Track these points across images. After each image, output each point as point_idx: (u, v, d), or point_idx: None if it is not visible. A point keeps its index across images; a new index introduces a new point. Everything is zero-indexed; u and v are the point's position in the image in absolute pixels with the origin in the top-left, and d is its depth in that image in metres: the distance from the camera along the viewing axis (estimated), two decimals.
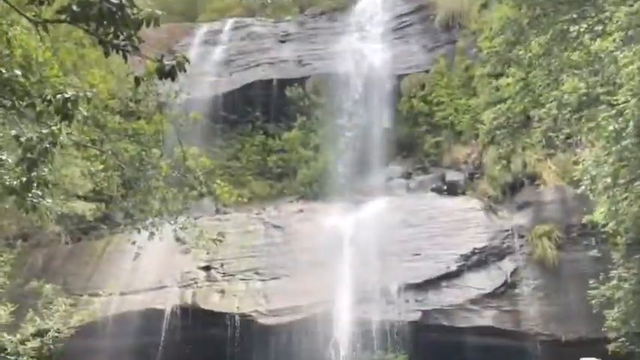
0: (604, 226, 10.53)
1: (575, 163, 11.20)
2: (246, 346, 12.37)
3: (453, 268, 12.69)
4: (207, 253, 13.85)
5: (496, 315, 12.00)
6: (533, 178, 14.04)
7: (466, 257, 12.82)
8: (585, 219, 11.65)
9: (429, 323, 12.16)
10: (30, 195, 3.87)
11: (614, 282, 10.21)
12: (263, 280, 13.58)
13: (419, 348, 11.69)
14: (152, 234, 9.47)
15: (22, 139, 3.65)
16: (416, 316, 12.21)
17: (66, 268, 14.00)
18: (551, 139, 13.01)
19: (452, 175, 15.58)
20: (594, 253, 11.96)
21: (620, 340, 10.01)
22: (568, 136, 12.65)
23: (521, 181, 14.19)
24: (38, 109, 3.74)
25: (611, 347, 9.95)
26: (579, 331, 11.28)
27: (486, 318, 11.97)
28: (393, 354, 11.79)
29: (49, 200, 4.34)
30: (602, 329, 10.42)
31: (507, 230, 13.21)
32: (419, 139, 17.39)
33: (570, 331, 11.41)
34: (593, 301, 10.48)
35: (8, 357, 7.41)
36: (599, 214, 10.56)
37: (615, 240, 10.64)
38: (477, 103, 16.03)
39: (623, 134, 8.70)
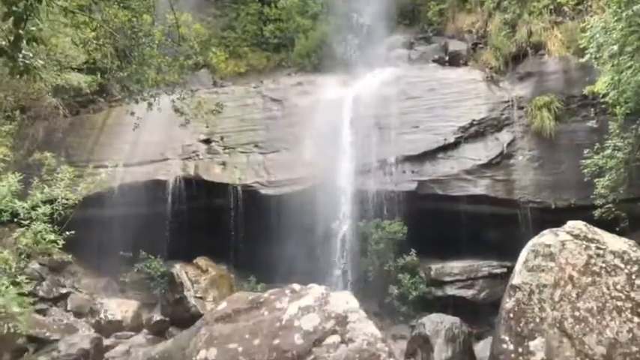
0: (605, 96, 10.45)
1: (583, 30, 10.79)
2: (250, 214, 12.92)
3: (451, 140, 12.81)
4: (207, 127, 13.99)
5: (490, 184, 12.34)
6: (538, 48, 13.63)
7: (464, 129, 12.88)
8: (586, 90, 11.54)
9: (424, 193, 12.55)
10: (21, 56, 3.78)
11: (608, 151, 10.40)
12: (263, 153, 13.79)
13: (413, 216, 12.19)
14: (150, 105, 9.46)
15: None
16: (412, 186, 12.58)
17: (67, 141, 14.14)
18: (560, 5, 12.47)
19: (454, 45, 15.13)
20: (592, 123, 11.99)
21: (607, 206, 10.41)
22: (578, 2, 12.09)
23: (525, 51, 13.80)
24: None
25: (597, 213, 10.35)
26: (569, 199, 11.68)
27: (480, 187, 12.32)
28: (389, 221, 12.31)
29: (41, 61, 4.23)
30: (591, 197, 10.81)
31: (507, 101, 13.11)
32: (422, 6, 16.64)
33: (560, 199, 11.81)
34: (585, 170, 10.75)
35: (22, 222, 7.78)
36: (601, 84, 10.42)
37: (614, 110, 10.62)
38: None
39: None
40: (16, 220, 8.01)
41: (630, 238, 7.73)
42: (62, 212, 8.12)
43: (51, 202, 8.23)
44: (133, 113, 10.36)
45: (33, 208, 7.91)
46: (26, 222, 7.84)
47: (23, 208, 7.84)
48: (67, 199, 8.24)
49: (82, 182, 9.13)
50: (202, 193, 13.40)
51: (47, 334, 9.01)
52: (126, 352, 9.52)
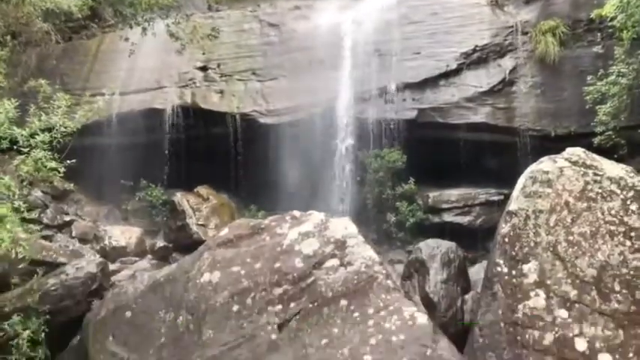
0: (612, 19, 10.16)
1: None
2: (249, 143, 12.92)
3: (453, 66, 12.57)
4: (203, 54, 13.69)
5: (490, 112, 12.23)
6: None
7: (467, 55, 12.60)
8: (594, 13, 11.20)
9: (424, 121, 12.48)
10: None
11: (612, 78, 10.24)
12: (261, 81, 13.58)
13: (413, 144, 12.20)
14: (144, 30, 9.20)
15: None
16: (412, 114, 12.48)
17: (61, 68, 13.86)
18: None
19: None
20: (597, 49, 11.72)
21: (607, 133, 10.39)
22: None
23: None
24: None
25: (596, 140, 10.34)
26: (569, 127, 11.62)
27: (481, 115, 12.21)
28: (388, 150, 12.33)
29: None
30: (591, 124, 10.77)
31: (511, 27, 12.73)
32: None
33: (561, 127, 11.75)
34: (587, 97, 10.64)
35: (22, 149, 7.77)
36: (609, 7, 10.09)
37: (621, 35, 10.35)
38: None
39: None
40: (15, 147, 7.99)
41: (628, 164, 7.78)
42: (61, 140, 8.09)
43: (49, 129, 8.17)
44: (127, 39, 10.11)
45: (32, 135, 7.86)
46: (26, 149, 7.82)
47: (22, 135, 7.79)
48: (65, 127, 8.18)
49: (79, 110, 9.02)
50: (200, 122, 13.32)
51: (54, 256, 9.26)
52: (131, 276, 9.82)
